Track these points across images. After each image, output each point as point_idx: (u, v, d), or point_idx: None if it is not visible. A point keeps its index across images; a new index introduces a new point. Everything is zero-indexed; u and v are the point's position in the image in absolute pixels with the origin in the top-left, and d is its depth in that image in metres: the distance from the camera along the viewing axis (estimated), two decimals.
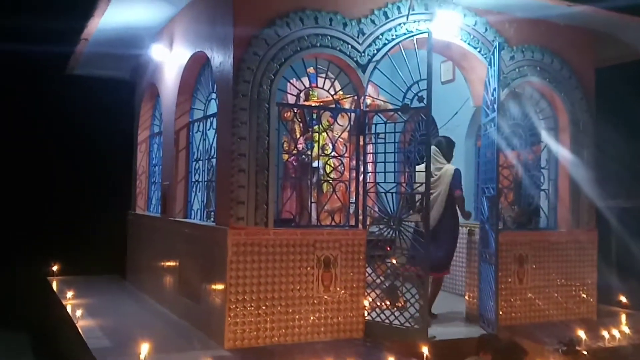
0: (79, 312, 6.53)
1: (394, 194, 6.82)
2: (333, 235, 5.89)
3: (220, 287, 5.60)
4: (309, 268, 5.76)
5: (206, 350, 5.30)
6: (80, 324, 6.23)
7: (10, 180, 10.32)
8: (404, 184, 7.14)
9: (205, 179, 6.79)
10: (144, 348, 4.33)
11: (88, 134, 10.26)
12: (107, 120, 9.92)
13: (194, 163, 7.11)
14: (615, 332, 6.02)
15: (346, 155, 6.45)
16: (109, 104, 9.71)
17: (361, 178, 6.16)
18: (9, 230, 10.17)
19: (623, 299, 7.57)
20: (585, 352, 4.41)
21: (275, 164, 5.76)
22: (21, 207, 10.40)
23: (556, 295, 6.95)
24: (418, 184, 6.03)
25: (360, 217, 6.10)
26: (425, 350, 5.17)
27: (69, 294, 7.56)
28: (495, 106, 6.14)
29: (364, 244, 6.01)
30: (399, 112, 6.17)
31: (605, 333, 6.01)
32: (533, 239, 6.88)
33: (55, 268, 9.31)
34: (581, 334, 5.74)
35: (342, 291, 5.85)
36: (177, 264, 6.96)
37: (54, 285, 8.69)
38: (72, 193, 10.53)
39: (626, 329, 6.19)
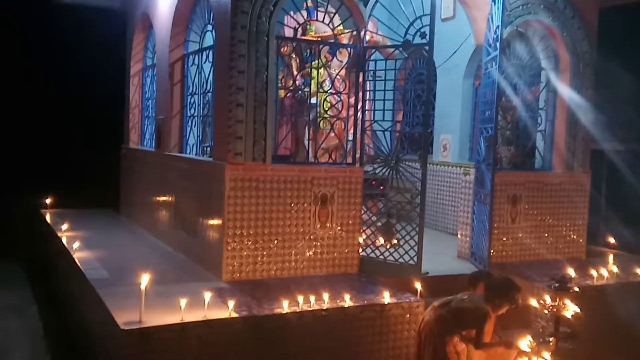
0: (75, 244, 6.56)
1: (390, 133, 6.83)
2: (330, 173, 5.89)
3: (217, 221, 5.63)
4: (306, 204, 5.78)
5: (205, 282, 5.37)
6: (77, 256, 6.27)
7: (2, 114, 10.12)
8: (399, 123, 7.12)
9: (201, 114, 6.71)
10: (144, 278, 4.37)
11: (79, 66, 10.00)
12: (98, 52, 9.67)
13: (189, 97, 6.99)
14: (603, 271, 6.17)
15: (344, 92, 6.37)
16: (99, 35, 9.40)
17: (359, 116, 6.10)
18: (1, 163, 10.07)
19: (611, 240, 7.72)
20: (576, 289, 4.51)
21: (274, 99, 5.68)
22: (13, 140, 10.25)
23: (547, 235, 7.07)
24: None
25: (358, 155, 6.09)
26: (418, 285, 5.27)
27: (64, 226, 7.58)
28: (498, 44, 6.04)
29: (361, 182, 6.02)
30: (400, 49, 6.06)
31: (593, 272, 6.16)
32: (528, 179, 6.93)
33: (48, 201, 9.30)
34: (571, 272, 5.87)
35: (339, 227, 5.90)
36: (173, 198, 6.97)
37: (48, 218, 8.71)
38: (64, 126, 10.38)
39: (614, 269, 6.34)
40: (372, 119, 6.31)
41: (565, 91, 6.94)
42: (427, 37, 5.73)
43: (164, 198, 7.26)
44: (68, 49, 9.92)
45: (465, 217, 6.97)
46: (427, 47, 5.76)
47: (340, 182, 5.92)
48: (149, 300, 4.39)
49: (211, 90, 6.26)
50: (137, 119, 8.93)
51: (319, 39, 6.62)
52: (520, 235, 6.90)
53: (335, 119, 6.14)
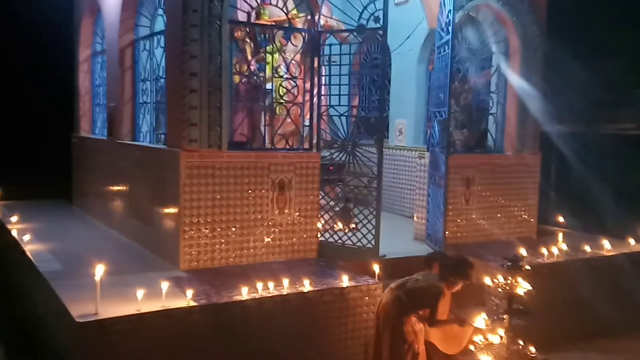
0: (25, 237, 6.37)
1: (346, 118, 6.84)
2: (287, 159, 5.87)
3: (173, 209, 5.55)
4: (263, 191, 5.76)
5: (162, 272, 5.30)
6: (29, 248, 6.09)
7: None
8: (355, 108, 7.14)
9: (154, 101, 6.57)
10: (99, 269, 4.28)
11: (25, 52, 9.64)
12: (45, 37, 9.32)
13: (141, 83, 6.84)
14: (554, 249, 6.38)
15: (300, 77, 6.33)
16: (46, 19, 9.07)
17: (315, 100, 6.09)
18: None
19: (560, 219, 7.98)
20: (528, 268, 4.65)
21: (228, 85, 5.61)
22: None
23: (499, 215, 7.26)
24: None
25: (315, 141, 6.09)
26: (376, 268, 5.34)
27: (13, 218, 7.34)
28: (450, 28, 6.11)
29: (318, 167, 6.03)
30: (354, 33, 6.06)
31: (544, 250, 6.36)
32: (480, 161, 7.08)
33: None
34: (523, 251, 6.05)
35: (297, 213, 5.91)
36: (127, 187, 6.83)
37: None
38: (11, 114, 9.98)
39: (564, 247, 6.56)
40: (328, 104, 6.32)
41: (514, 75, 7.09)
42: (381, 21, 5.75)
43: (118, 187, 7.10)
44: (13, 34, 9.53)
45: (421, 200, 7.08)
46: (381, 32, 5.78)
47: (298, 167, 5.92)
48: (104, 292, 4.31)
49: (164, 76, 6.14)
50: (87, 106, 8.69)
51: (273, 23, 6.55)
52: (473, 216, 7.06)
53: (291, 104, 6.10)
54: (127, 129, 6.98)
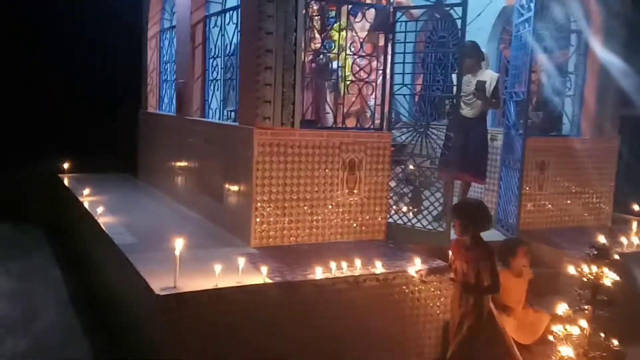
0: (99, 209, 6.51)
1: (412, 97, 6.66)
2: (359, 138, 5.78)
3: (245, 186, 5.56)
4: (334, 170, 5.70)
5: (233, 248, 5.33)
6: (102, 221, 6.23)
7: (19, 79, 9.99)
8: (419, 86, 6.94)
9: (225, 77, 6.56)
10: (179, 243, 4.32)
11: (95, 30, 9.84)
12: (114, 15, 9.47)
13: (211, 60, 6.84)
14: (633, 238, 6.09)
15: (373, 54, 6.19)
16: None
17: (388, 79, 5.95)
18: (19, 128, 9.99)
19: (636, 207, 7.62)
20: (617, 257, 4.44)
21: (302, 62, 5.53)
22: (30, 104, 10.14)
23: (573, 201, 6.99)
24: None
25: (386, 120, 5.96)
26: (450, 252, 5.19)
27: (85, 191, 7.53)
28: (532, 5, 5.84)
29: (389, 148, 5.92)
30: (432, 10, 5.86)
31: (623, 239, 6.08)
32: (556, 145, 6.82)
33: (65, 165, 9.25)
34: (602, 239, 5.79)
35: (366, 194, 5.82)
36: (196, 163, 6.89)
37: (66, 182, 8.67)
38: (81, 90, 10.24)
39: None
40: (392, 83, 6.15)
41: (599, 53, 6.73)
42: None
43: (186, 163, 7.18)
44: (82, 12, 9.73)
45: (490, 183, 6.87)
46: (460, 8, 5.57)
47: (369, 147, 5.82)
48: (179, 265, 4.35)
49: (235, 53, 6.11)
50: (155, 82, 8.79)
51: None
52: (546, 202, 6.82)
53: (363, 83, 5.97)
54: (197, 105, 7.02)
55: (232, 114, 6.36)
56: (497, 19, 7.88)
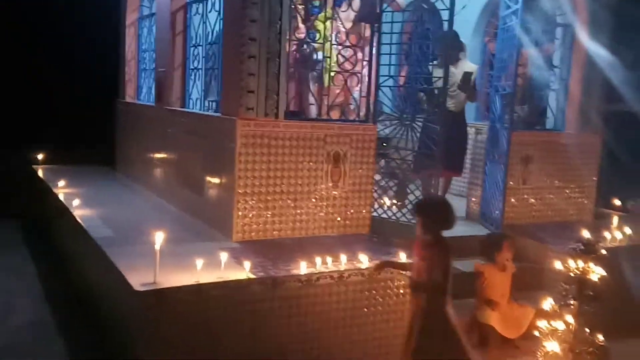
0: (74, 202, 6.32)
1: (395, 89, 6.57)
2: (344, 130, 5.67)
3: (227, 179, 5.42)
4: (318, 163, 5.58)
5: (214, 242, 5.20)
6: (78, 214, 6.04)
7: None
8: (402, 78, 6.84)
9: (205, 66, 6.40)
10: (158, 237, 4.17)
11: (70, 16, 9.54)
12: (90, 1, 9.19)
13: (192, 49, 6.66)
14: (617, 233, 6.09)
15: (359, 45, 6.08)
16: None
17: (373, 70, 5.85)
18: None
19: (617, 202, 7.65)
20: (604, 252, 4.42)
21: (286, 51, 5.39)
22: (4, 95, 9.80)
23: (556, 196, 6.97)
24: (436, 79, 5.75)
25: (372, 112, 5.86)
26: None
27: (60, 182, 7.31)
28: None
29: (375, 140, 5.82)
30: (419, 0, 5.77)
31: (607, 234, 6.08)
32: (540, 139, 6.78)
33: (40, 157, 8.99)
34: (586, 234, 5.78)
35: (351, 187, 5.73)
36: (176, 155, 6.72)
37: (41, 174, 8.42)
38: (57, 79, 9.94)
39: (627, 230, 6.26)
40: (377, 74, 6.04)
41: (586, 45, 6.70)
42: None
43: (166, 155, 7.01)
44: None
45: (475, 177, 6.83)
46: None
47: (354, 140, 5.72)
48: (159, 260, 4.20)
49: (217, 41, 5.95)
50: (133, 71, 8.57)
51: None
52: (530, 196, 6.79)
53: (348, 74, 5.86)
54: (177, 95, 6.84)
55: (214, 104, 6.20)
56: (482, 11, 7.84)
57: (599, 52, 6.55)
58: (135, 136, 8.19)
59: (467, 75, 6.33)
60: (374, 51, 5.82)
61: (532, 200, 6.82)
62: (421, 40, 7.55)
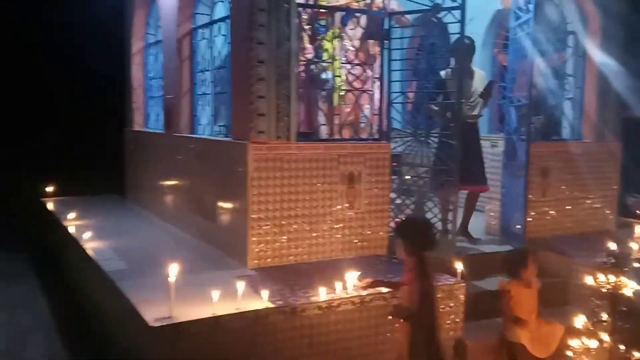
0: (85, 234, 6.20)
1: (404, 105, 6.43)
2: (357, 149, 5.54)
3: (240, 204, 5.29)
4: (332, 184, 5.45)
5: (229, 270, 5.05)
6: (89, 246, 5.92)
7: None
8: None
9: (213, 91, 6.31)
10: (173, 269, 4.03)
11: (76, 47, 9.53)
12: (95, 31, 9.19)
13: (199, 74, 6.59)
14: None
15: (369, 63, 5.97)
16: (96, 12, 8.93)
17: (385, 87, 5.74)
18: (1, 151, 9.63)
19: (638, 211, 7.43)
20: (637, 265, 4.23)
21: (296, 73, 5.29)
22: (11, 127, 9.78)
23: (576, 207, 6.79)
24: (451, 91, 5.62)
25: (385, 130, 5.74)
26: (459, 265, 4.95)
27: (70, 215, 7.21)
28: (531, 6, 5.67)
29: (389, 159, 5.69)
30: (430, 13, 5.66)
31: (633, 244, 5.85)
32: (558, 150, 6.62)
33: (49, 189, 8.91)
34: (612, 246, 5.58)
35: (367, 207, 5.58)
36: (187, 181, 6.61)
37: (51, 206, 8.33)
38: (64, 110, 9.92)
39: None
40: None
41: (596, 55, 6.57)
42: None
43: (177, 182, 6.90)
44: (64, 29, 9.44)
45: (493, 192, 6.65)
46: (458, 12, 5.39)
47: (368, 159, 5.59)
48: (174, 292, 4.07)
49: (224, 65, 5.87)
50: (140, 99, 8.51)
51: (341, 6, 6.19)
52: (550, 209, 6.61)
53: (360, 92, 5.75)
54: (186, 121, 6.75)
55: (224, 129, 6.10)
56: (490, 23, 7.73)
57: (608, 61, 6.41)
58: (145, 164, 8.11)
59: (490, 83, 6.16)
60: (384, 68, 5.70)
61: (553, 212, 6.63)
62: (429, 55, 7.49)
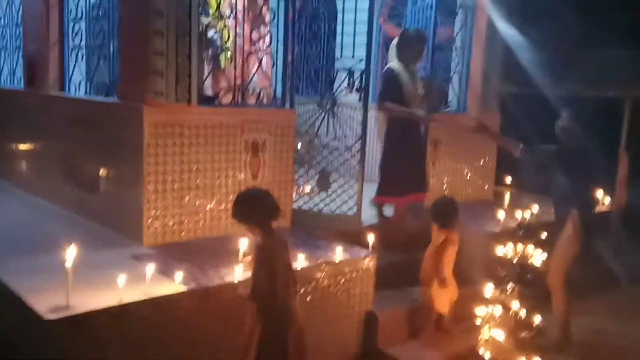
0: None
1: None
2: (262, 116, 5.17)
3: (132, 175, 4.68)
4: (236, 153, 5.04)
5: (124, 248, 4.47)
6: None
7: None
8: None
9: (91, 44, 5.51)
10: (70, 253, 3.41)
11: None
12: None
13: (72, 24, 5.71)
14: (527, 213, 6.21)
15: (266, 22, 5.57)
16: None
17: (289, 50, 5.39)
18: None
19: (508, 179, 7.90)
20: (544, 235, 4.42)
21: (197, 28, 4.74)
22: None
23: (461, 177, 7.07)
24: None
25: (288, 96, 5.41)
26: (371, 237, 4.83)
27: None
28: None
29: (294, 127, 5.39)
30: None
31: (518, 213, 6.17)
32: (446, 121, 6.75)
33: None
34: (501, 215, 5.85)
35: (271, 178, 5.26)
36: (58, 148, 5.75)
37: None
38: None
39: (535, 208, 6.40)
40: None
41: (480, 31, 6.77)
42: None
43: (45, 149, 5.99)
44: None
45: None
46: None
47: (272, 126, 5.24)
48: (58, 277, 3.50)
49: (106, 15, 5.13)
50: None
51: None
52: (439, 178, 6.80)
53: (263, 53, 5.35)
54: (54, 78, 5.85)
55: (105, 88, 5.36)
56: None
57: (500, 32, 6.60)
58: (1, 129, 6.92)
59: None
60: (289, 30, 5.34)
61: (441, 181, 6.83)
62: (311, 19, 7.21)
